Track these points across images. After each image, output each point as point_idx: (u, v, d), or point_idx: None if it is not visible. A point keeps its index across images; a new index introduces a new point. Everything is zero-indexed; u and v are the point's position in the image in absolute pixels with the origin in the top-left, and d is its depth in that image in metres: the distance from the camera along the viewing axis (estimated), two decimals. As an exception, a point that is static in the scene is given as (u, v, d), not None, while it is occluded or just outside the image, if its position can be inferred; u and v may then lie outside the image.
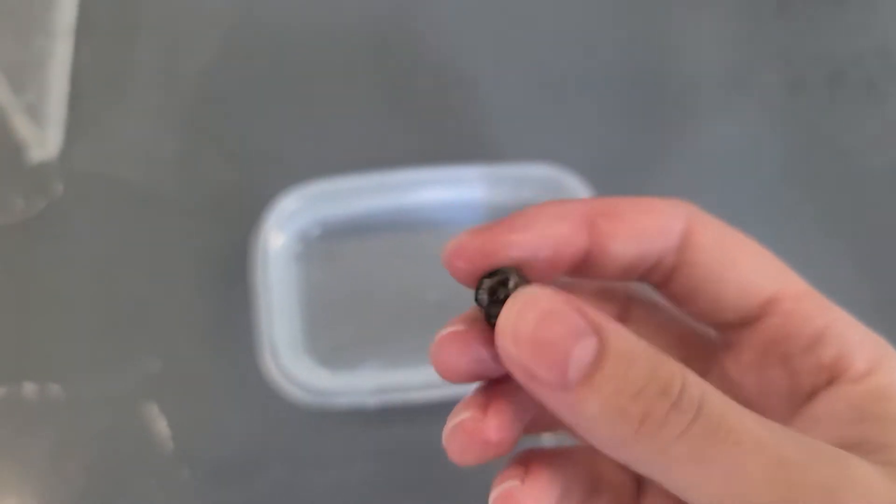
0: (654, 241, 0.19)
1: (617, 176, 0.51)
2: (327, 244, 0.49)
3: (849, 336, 0.18)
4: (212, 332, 0.48)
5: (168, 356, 0.47)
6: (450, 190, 0.50)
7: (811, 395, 0.19)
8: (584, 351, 0.15)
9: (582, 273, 0.20)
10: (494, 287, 0.18)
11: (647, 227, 0.19)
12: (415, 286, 0.49)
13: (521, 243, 0.19)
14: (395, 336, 0.48)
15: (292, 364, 0.44)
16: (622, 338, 0.15)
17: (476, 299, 0.19)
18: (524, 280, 0.18)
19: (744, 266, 0.19)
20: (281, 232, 0.47)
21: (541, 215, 0.19)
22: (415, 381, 0.44)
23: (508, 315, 0.16)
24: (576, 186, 0.49)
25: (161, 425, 0.46)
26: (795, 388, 0.19)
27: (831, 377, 0.18)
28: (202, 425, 0.46)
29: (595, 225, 0.19)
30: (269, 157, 0.53)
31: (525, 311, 0.16)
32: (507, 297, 0.17)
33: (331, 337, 0.47)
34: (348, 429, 0.46)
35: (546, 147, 0.52)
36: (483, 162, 0.50)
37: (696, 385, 0.15)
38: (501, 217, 0.19)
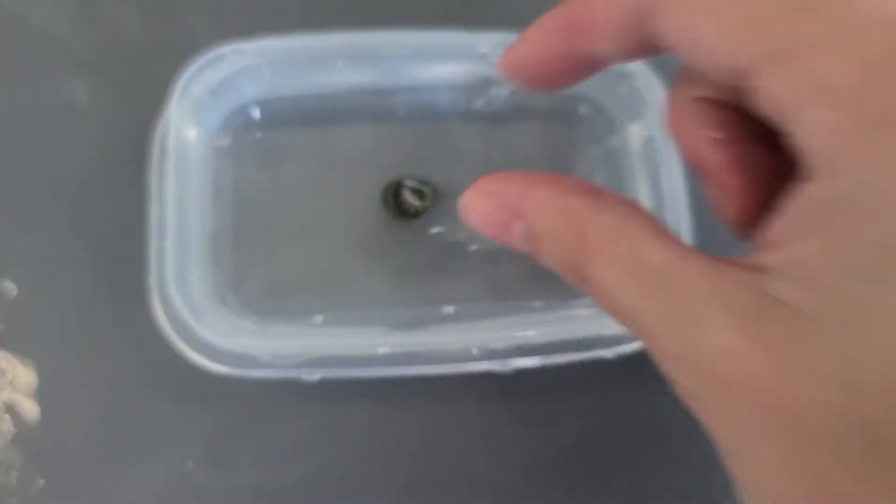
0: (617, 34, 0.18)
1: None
2: (267, 136, 0.34)
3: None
4: (94, 256, 0.33)
5: (25, 281, 0.33)
6: (465, 64, 0.33)
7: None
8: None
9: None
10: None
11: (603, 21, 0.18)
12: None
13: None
14: (364, 276, 0.32)
15: (195, 314, 0.29)
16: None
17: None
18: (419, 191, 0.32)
19: (707, 33, 0.15)
20: (196, 115, 0.31)
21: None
22: (388, 342, 0.29)
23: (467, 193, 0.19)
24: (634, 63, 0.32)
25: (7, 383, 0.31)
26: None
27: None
28: (68, 396, 0.32)
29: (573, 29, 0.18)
30: (204, 3, 0.37)
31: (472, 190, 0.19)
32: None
33: (263, 275, 0.32)
34: (281, 408, 0.32)
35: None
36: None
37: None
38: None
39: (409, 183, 0.33)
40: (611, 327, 0.29)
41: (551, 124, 0.35)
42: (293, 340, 0.30)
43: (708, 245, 0.18)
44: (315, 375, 0.29)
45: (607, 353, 0.29)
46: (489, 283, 0.32)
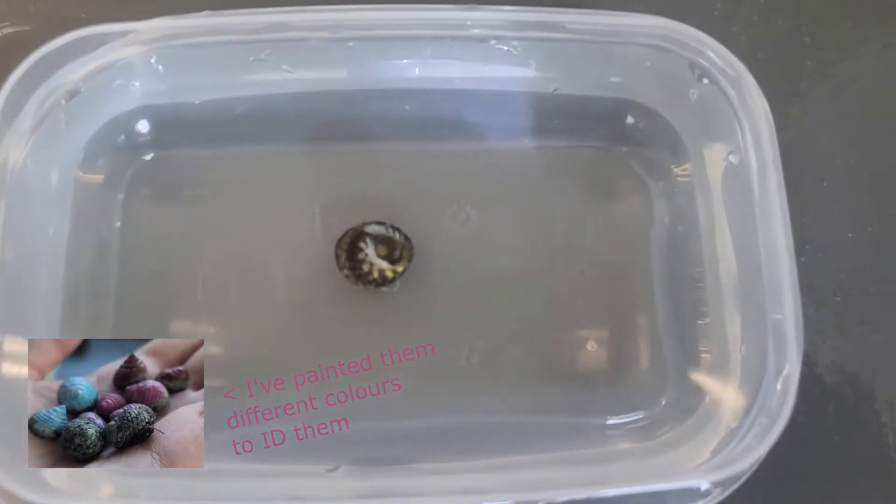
0: None
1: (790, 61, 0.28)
2: (163, 159, 0.24)
3: None
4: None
5: None
6: (452, 61, 0.24)
7: None
8: None
9: None
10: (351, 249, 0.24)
11: None
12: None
13: None
14: (305, 370, 0.22)
15: None
16: None
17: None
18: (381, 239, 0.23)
19: None
20: (44, 132, 0.21)
21: None
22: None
23: None
24: (718, 53, 0.23)
25: None
26: None
27: None
28: None
29: None
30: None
31: None
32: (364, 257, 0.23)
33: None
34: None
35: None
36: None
37: None
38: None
39: (375, 230, 0.23)
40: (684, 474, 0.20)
41: (587, 141, 0.25)
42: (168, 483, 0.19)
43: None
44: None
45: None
46: (493, 393, 0.22)
